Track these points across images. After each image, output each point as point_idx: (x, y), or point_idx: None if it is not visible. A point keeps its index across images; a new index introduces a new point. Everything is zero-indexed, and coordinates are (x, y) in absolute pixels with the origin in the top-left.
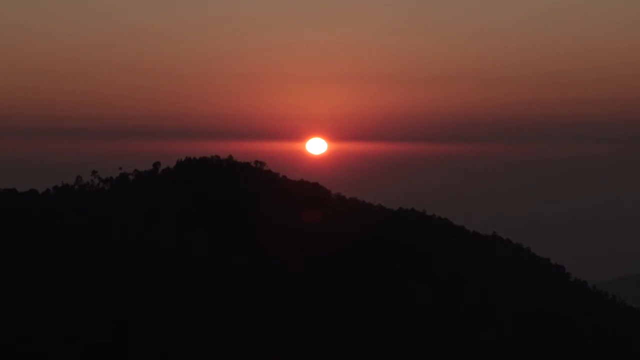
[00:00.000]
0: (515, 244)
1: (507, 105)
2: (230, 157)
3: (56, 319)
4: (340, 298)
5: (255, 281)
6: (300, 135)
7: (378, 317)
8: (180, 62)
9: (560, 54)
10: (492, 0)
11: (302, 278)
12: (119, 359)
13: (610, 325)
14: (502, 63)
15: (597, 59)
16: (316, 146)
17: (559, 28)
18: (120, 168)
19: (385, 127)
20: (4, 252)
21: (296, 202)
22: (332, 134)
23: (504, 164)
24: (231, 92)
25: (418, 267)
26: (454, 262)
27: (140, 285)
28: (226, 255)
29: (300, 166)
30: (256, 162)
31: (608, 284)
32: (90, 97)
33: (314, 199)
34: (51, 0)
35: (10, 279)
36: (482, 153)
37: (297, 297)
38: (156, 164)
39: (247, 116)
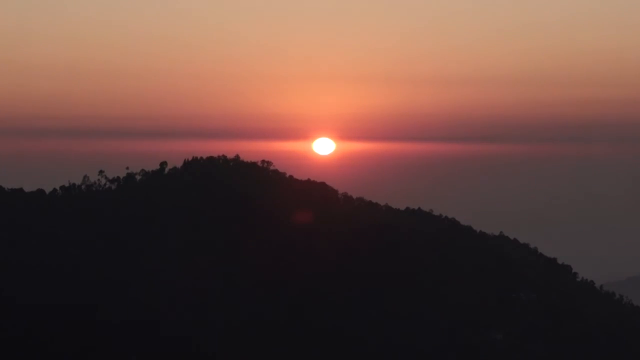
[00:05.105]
0: (523, 244)
1: (514, 105)
2: (237, 156)
3: (59, 319)
4: (346, 297)
5: (261, 280)
6: (308, 135)
7: (383, 316)
8: (186, 63)
9: (560, 54)
10: (493, 1)
11: (308, 277)
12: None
13: (617, 325)
14: (504, 63)
15: (597, 59)
16: (323, 146)
17: (559, 28)
18: (127, 167)
19: (392, 127)
20: (10, 251)
21: (303, 202)
22: (339, 134)
23: (512, 163)
24: (238, 91)
25: (425, 267)
26: (461, 262)
27: (148, 285)
28: (233, 254)
29: (307, 166)
30: (263, 161)
31: (615, 284)
32: (96, 97)
33: (321, 198)
34: (58, 1)
35: (15, 278)
36: (492, 152)
37: (302, 296)
38: (163, 164)
39: (254, 116)
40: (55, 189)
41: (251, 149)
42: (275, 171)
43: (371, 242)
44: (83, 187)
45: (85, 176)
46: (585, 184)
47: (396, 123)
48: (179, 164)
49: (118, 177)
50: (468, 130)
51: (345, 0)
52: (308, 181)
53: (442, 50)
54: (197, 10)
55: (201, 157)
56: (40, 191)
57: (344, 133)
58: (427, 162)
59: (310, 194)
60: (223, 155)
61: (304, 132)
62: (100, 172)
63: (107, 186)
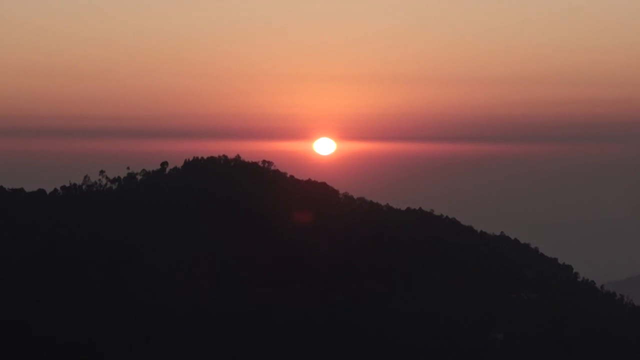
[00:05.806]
0: (523, 244)
1: (515, 104)
2: (238, 156)
3: (61, 318)
4: (346, 297)
5: (262, 280)
6: (309, 135)
7: (383, 316)
8: (187, 63)
9: (560, 54)
10: (495, 1)
11: (309, 278)
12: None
13: (618, 325)
14: (504, 63)
15: (597, 59)
16: (324, 146)
17: (559, 28)
18: (128, 168)
19: (392, 127)
20: (11, 250)
21: (304, 202)
22: (340, 134)
23: (512, 163)
24: (239, 92)
25: (425, 267)
26: (462, 262)
27: (148, 284)
28: (233, 254)
29: (308, 166)
30: (264, 161)
31: (616, 284)
32: (97, 98)
33: (322, 198)
34: (59, 2)
35: (16, 278)
36: (492, 152)
37: (303, 296)
38: (164, 164)
39: (255, 116)
40: (56, 189)
41: (252, 149)
42: (276, 171)
43: (372, 242)
44: (84, 187)
45: (86, 176)
46: (586, 183)
47: (397, 123)
48: (180, 164)
49: (119, 177)
50: (468, 130)
51: (346, 1)
52: (309, 181)
53: (443, 50)
54: (198, 11)
55: (202, 157)
56: (41, 191)
57: (344, 133)
58: (427, 162)
59: (311, 194)
60: (224, 155)
61: (304, 132)
62: (101, 172)
63: (108, 186)
